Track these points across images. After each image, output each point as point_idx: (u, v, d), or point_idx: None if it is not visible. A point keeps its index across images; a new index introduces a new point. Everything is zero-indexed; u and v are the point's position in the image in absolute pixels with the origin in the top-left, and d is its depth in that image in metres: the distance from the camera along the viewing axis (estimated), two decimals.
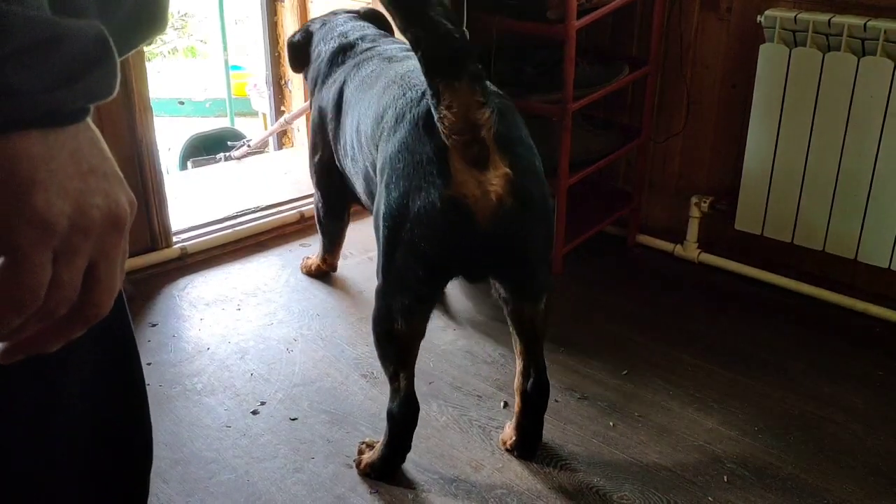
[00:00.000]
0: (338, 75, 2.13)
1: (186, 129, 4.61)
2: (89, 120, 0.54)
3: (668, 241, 2.80)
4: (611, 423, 1.96)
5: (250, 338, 2.30)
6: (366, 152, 1.82)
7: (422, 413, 1.97)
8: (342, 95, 2.05)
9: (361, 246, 2.80)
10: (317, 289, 2.56)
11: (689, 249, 2.73)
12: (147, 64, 2.52)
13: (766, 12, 2.30)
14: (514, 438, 1.84)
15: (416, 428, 1.91)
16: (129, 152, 2.46)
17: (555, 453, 1.85)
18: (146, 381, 2.11)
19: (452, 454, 1.85)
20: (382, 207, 1.56)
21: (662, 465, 1.82)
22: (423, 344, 2.23)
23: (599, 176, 2.91)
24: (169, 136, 4.55)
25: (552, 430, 1.93)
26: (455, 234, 1.49)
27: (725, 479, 1.78)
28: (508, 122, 1.52)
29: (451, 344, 2.27)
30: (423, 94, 1.53)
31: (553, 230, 1.67)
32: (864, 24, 2.14)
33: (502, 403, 2.02)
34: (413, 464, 1.81)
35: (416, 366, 2.17)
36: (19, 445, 0.77)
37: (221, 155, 3.52)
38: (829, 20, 2.19)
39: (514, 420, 1.84)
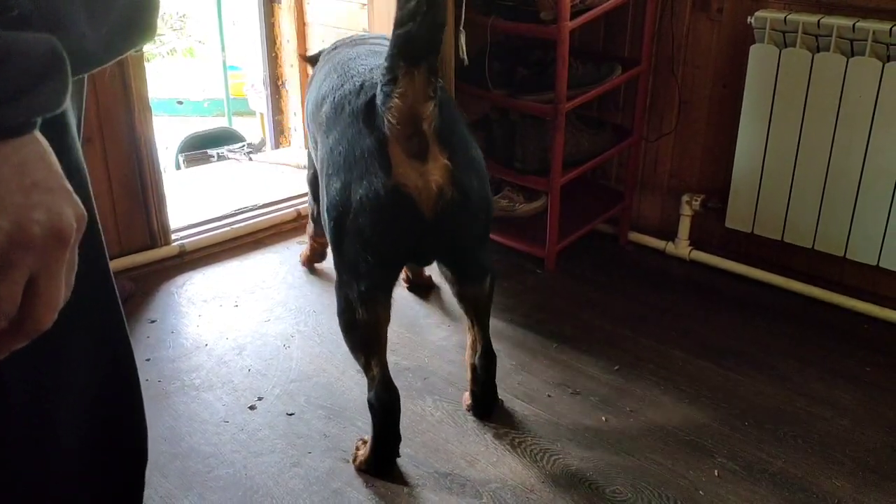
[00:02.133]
0: None
1: (185, 129, 4.63)
2: (37, 133, 0.54)
3: (660, 239, 2.82)
4: (603, 418, 1.99)
5: (248, 334, 2.32)
6: (308, 123, 1.93)
7: (417, 408, 2.00)
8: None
9: None
10: (314, 285, 2.58)
11: (681, 247, 2.76)
12: (146, 64, 2.55)
13: (757, 13, 2.33)
14: (469, 402, 1.99)
15: (412, 423, 1.94)
16: (128, 151, 2.49)
17: (548, 448, 1.88)
18: (146, 377, 2.13)
19: (447, 449, 1.87)
20: (327, 200, 1.62)
21: (654, 460, 1.84)
22: (417, 340, 2.27)
23: (592, 175, 2.94)
24: (168, 136, 4.57)
25: (545, 425, 1.95)
26: (400, 222, 1.54)
27: (716, 474, 1.80)
28: (448, 116, 1.56)
29: (445, 340, 2.29)
30: (362, 85, 1.60)
31: (491, 219, 1.75)
32: (853, 25, 2.17)
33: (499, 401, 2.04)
34: (408, 458, 1.84)
35: (411, 362, 2.20)
36: (17, 443, 0.78)
37: (215, 153, 3.53)
38: (819, 21, 2.22)
39: (468, 386, 1.98)
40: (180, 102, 6.15)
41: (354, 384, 2.09)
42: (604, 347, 2.27)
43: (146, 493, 1.77)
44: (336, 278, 1.71)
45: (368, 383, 1.75)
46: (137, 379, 0.90)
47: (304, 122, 2.24)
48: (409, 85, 1.45)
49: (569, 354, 2.24)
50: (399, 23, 1.42)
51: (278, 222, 2.94)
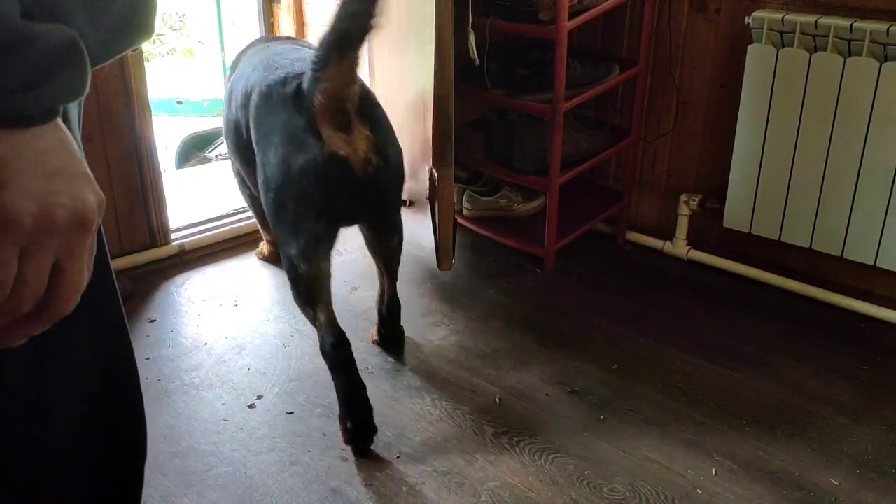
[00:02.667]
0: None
1: (184, 128, 4.64)
2: (58, 120, 0.55)
3: (658, 239, 2.83)
4: (601, 417, 1.99)
5: (247, 333, 2.33)
6: (232, 110, 2.12)
7: (416, 407, 2.01)
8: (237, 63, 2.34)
9: (355, 242, 2.84)
10: None
11: (679, 247, 2.77)
12: (146, 64, 2.55)
13: (754, 14, 2.33)
14: (376, 339, 2.28)
15: (411, 422, 1.95)
16: (128, 151, 2.50)
17: (546, 446, 1.89)
18: (145, 376, 2.14)
19: (446, 447, 1.88)
20: (267, 172, 1.83)
21: (652, 458, 1.85)
22: (416, 339, 2.29)
23: (590, 175, 2.95)
24: (167, 135, 4.58)
25: (543, 424, 1.96)
26: (336, 181, 1.77)
27: (714, 472, 1.81)
28: (368, 100, 1.83)
29: (444, 339, 2.30)
30: (286, 77, 1.83)
31: (403, 186, 2.00)
32: (850, 26, 2.17)
33: (497, 399, 2.05)
34: (407, 457, 1.85)
35: (410, 361, 2.21)
36: (15, 440, 0.78)
37: (214, 155, 3.54)
38: (816, 21, 2.22)
39: (376, 328, 2.29)
40: (180, 102, 6.15)
41: None
42: (602, 346, 2.28)
43: (146, 491, 1.77)
44: (280, 243, 1.90)
45: (318, 332, 1.91)
46: (137, 376, 0.90)
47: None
48: (336, 71, 1.69)
49: (567, 353, 2.25)
50: (339, 19, 1.65)
51: None
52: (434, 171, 2.32)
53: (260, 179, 1.87)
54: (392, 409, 2.00)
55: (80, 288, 0.58)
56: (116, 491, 0.92)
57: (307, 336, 2.31)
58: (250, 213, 2.91)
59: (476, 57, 2.38)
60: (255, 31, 3.45)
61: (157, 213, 2.63)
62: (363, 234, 2.10)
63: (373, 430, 1.88)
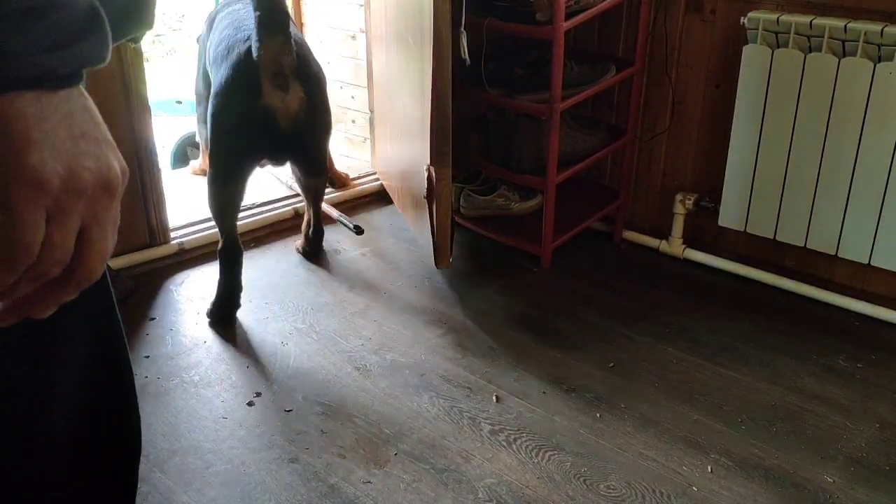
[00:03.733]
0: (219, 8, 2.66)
1: (184, 129, 4.66)
2: (82, 87, 0.56)
3: (654, 238, 2.84)
4: (597, 415, 2.01)
5: (246, 331, 2.34)
6: (205, 64, 2.52)
7: (413, 405, 2.02)
8: (214, 20, 2.58)
9: (353, 242, 2.85)
10: (311, 283, 2.60)
11: (675, 245, 2.78)
12: (146, 64, 2.56)
13: (750, 14, 2.35)
14: (301, 252, 2.79)
15: (409, 420, 1.96)
16: (127, 150, 2.50)
17: (542, 444, 1.90)
18: (145, 374, 2.15)
19: (443, 445, 1.89)
20: (212, 108, 2.18)
21: (648, 456, 1.86)
22: (413, 337, 2.30)
23: (587, 174, 2.96)
24: (167, 135, 4.60)
25: (540, 422, 1.97)
26: (264, 129, 2.16)
27: (710, 470, 1.82)
28: (305, 62, 2.21)
29: (441, 337, 2.31)
30: (249, 37, 2.14)
31: (329, 132, 2.42)
32: (845, 26, 2.19)
33: (495, 397, 2.06)
34: (404, 454, 1.86)
35: (408, 359, 2.23)
36: (8, 438, 0.79)
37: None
38: (811, 22, 2.24)
39: (301, 241, 2.79)
40: (180, 102, 6.16)
41: (351, 381, 2.11)
42: (598, 344, 2.30)
43: (145, 488, 1.79)
44: (209, 165, 2.28)
45: (220, 236, 2.35)
46: (132, 374, 0.90)
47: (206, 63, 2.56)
48: (269, 45, 2.08)
49: (564, 351, 2.26)
50: (254, 8, 2.07)
51: (276, 221, 2.95)
52: (432, 170, 2.33)
53: (208, 111, 2.22)
54: (390, 406, 2.02)
55: (106, 255, 0.59)
56: (112, 490, 0.93)
57: (305, 334, 2.32)
58: (249, 213, 2.93)
59: (467, 57, 2.40)
60: None
61: (157, 213, 2.64)
62: (293, 171, 2.58)
63: (230, 319, 2.38)
